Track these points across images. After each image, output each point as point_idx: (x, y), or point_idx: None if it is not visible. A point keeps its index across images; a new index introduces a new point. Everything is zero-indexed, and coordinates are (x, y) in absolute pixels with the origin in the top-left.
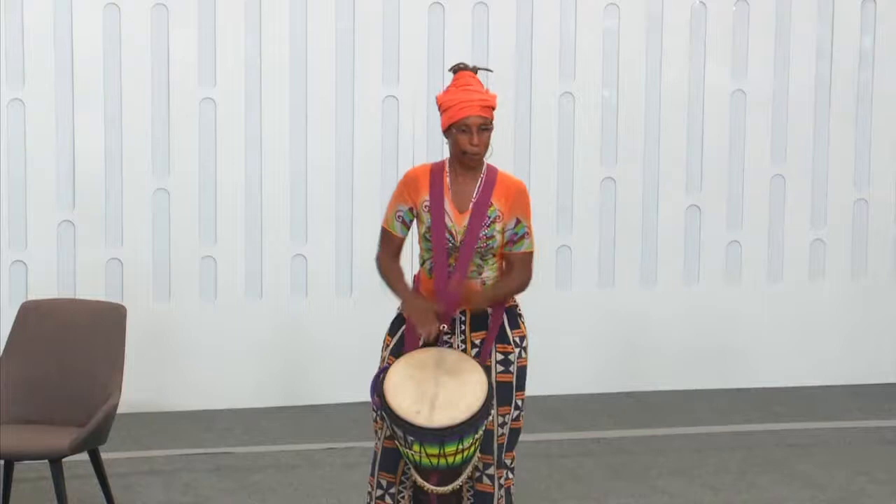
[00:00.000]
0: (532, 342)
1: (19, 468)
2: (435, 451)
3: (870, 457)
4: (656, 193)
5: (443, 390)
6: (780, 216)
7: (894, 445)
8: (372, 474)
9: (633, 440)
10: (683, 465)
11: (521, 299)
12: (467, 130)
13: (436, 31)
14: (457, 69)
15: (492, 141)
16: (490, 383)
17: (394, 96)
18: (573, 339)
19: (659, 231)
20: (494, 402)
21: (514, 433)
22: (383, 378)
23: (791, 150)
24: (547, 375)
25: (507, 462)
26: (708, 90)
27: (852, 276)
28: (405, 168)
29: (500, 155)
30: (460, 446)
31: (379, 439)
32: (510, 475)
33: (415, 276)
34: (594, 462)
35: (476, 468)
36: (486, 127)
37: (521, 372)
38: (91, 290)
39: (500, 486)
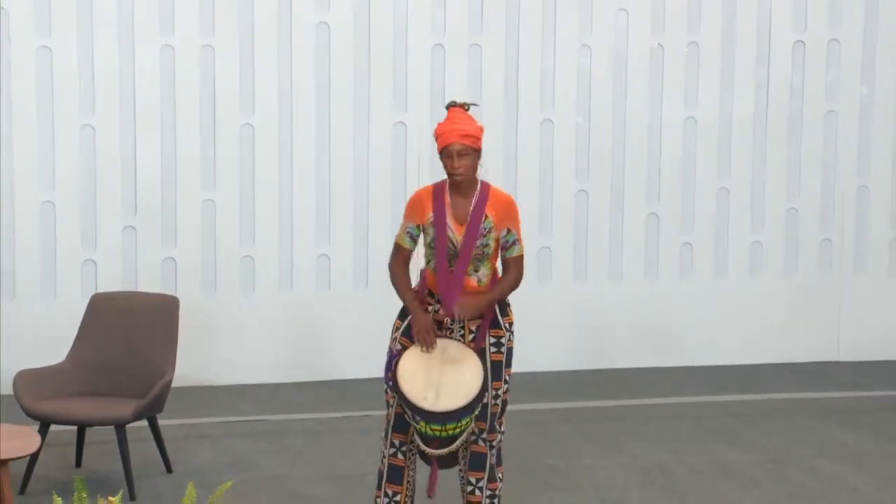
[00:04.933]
0: (518, 327)
1: (90, 433)
2: (438, 427)
3: (801, 424)
4: (622, 203)
5: (446, 378)
6: (724, 222)
7: (820, 415)
8: (385, 437)
9: (602, 410)
10: (645, 431)
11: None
12: (449, 156)
13: (437, 67)
14: (448, 105)
15: (484, 162)
16: (485, 372)
17: (402, 122)
18: (552, 325)
19: (624, 234)
20: (489, 382)
21: (504, 403)
22: (396, 363)
23: (734, 167)
24: (531, 355)
25: (499, 427)
26: (664, 117)
27: (785, 273)
28: (412, 182)
29: (491, 170)
30: (458, 423)
31: (391, 407)
32: (501, 438)
33: (421, 271)
34: (570, 428)
35: (472, 433)
36: (464, 153)
37: (510, 352)
38: (150, 284)
39: (493, 447)
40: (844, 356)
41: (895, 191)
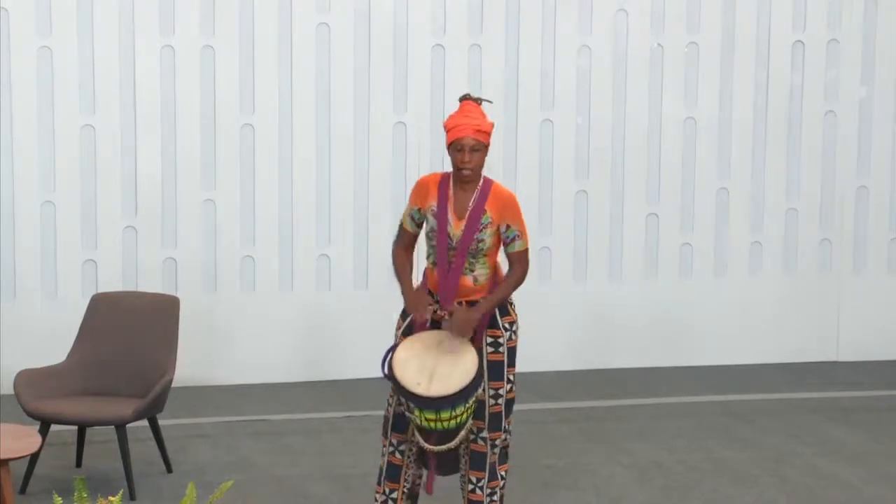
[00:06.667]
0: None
1: (91, 432)
2: (432, 416)
3: (799, 423)
4: (621, 203)
5: (440, 367)
6: (724, 222)
7: (819, 414)
8: (384, 435)
9: (601, 409)
10: (644, 430)
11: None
12: (461, 150)
13: (438, 67)
14: (462, 98)
15: (486, 160)
16: (481, 363)
17: (402, 122)
18: (552, 325)
19: (623, 235)
20: (486, 378)
21: (510, 403)
22: (393, 353)
23: (734, 168)
24: (530, 355)
25: (507, 427)
26: (664, 117)
27: (784, 273)
28: (412, 181)
29: (492, 170)
30: (453, 413)
31: (391, 405)
32: (508, 437)
33: (424, 269)
34: (569, 427)
35: (471, 431)
36: (476, 148)
37: (512, 352)
38: (150, 284)
39: (495, 446)
40: (843, 356)
41: (894, 191)
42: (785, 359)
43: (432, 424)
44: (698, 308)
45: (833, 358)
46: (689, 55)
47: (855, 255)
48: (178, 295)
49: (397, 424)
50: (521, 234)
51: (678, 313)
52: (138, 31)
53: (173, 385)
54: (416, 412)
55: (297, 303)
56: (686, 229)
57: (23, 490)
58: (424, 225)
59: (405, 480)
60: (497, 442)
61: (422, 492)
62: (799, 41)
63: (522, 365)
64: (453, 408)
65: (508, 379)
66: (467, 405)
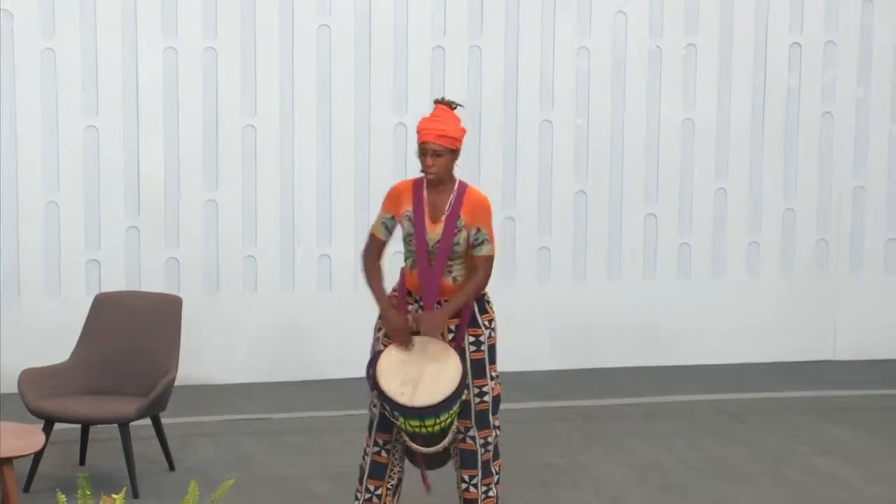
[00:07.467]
0: (515, 327)
1: (94, 431)
2: (416, 423)
3: (796, 423)
4: (620, 204)
5: (424, 375)
6: (722, 223)
7: (816, 413)
8: (369, 435)
9: (600, 409)
10: (641, 430)
11: (508, 290)
12: (424, 154)
13: (438, 69)
14: (436, 101)
15: (473, 162)
16: (464, 370)
17: (403, 123)
18: (550, 325)
19: (622, 235)
20: (470, 381)
21: (496, 400)
22: (376, 362)
23: (731, 168)
24: (529, 354)
25: (496, 423)
26: (662, 119)
27: (782, 273)
28: None
29: (490, 171)
30: (437, 420)
31: (375, 406)
32: (498, 433)
33: (401, 269)
34: (566, 427)
35: (459, 431)
36: (440, 153)
37: (492, 349)
38: (153, 284)
39: (488, 443)
40: (840, 355)
41: (890, 191)
42: (782, 358)
43: (417, 429)
44: (696, 308)
45: (830, 357)
46: (688, 57)
47: (852, 256)
48: (181, 294)
49: (382, 425)
50: (490, 240)
51: (676, 313)
52: (141, 32)
53: (176, 384)
54: (401, 419)
55: (299, 302)
56: (684, 230)
57: (26, 488)
58: (401, 230)
59: (390, 478)
60: (489, 439)
61: (419, 491)
62: (796, 43)
63: (521, 364)
64: (437, 415)
65: (492, 376)
66: (450, 412)
